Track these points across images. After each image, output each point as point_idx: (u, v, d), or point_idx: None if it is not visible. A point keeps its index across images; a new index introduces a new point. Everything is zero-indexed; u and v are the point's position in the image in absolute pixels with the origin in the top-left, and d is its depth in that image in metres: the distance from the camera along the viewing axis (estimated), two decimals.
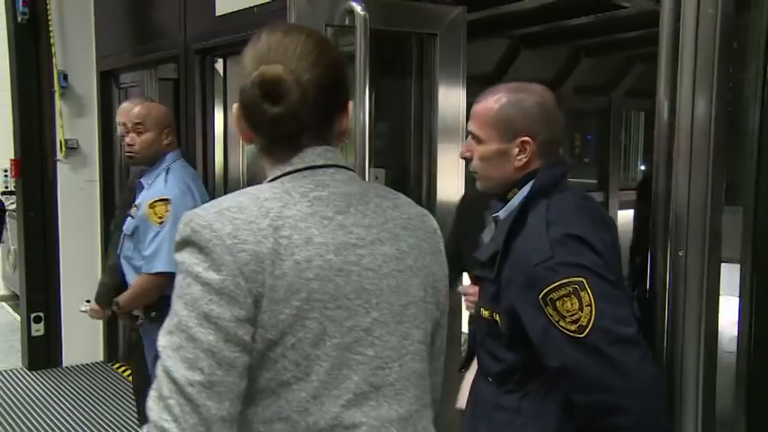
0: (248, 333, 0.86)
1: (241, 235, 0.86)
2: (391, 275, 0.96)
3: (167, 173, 2.59)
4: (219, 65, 3.62)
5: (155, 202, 2.51)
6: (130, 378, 4.31)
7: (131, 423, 3.70)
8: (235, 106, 0.97)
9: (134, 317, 2.60)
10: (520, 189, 1.44)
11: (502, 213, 1.48)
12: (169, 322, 0.87)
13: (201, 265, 0.86)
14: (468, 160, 1.50)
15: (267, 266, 0.87)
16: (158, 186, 2.57)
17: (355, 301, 0.93)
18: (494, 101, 1.44)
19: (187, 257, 0.88)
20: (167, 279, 2.36)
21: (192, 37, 3.68)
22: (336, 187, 0.96)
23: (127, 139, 2.55)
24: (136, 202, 2.61)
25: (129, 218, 2.60)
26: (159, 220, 2.48)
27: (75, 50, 4.59)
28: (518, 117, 1.42)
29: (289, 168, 0.96)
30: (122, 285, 2.65)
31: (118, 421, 3.78)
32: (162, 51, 3.99)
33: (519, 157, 1.43)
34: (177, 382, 0.84)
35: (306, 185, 0.95)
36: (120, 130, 2.74)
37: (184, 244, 0.89)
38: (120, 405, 3.97)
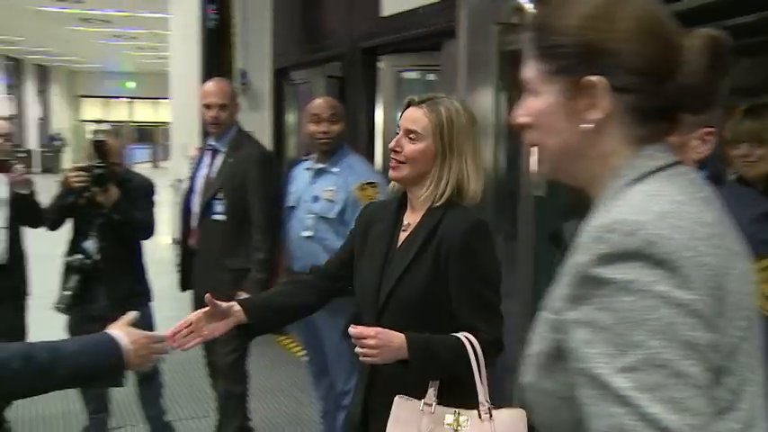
0: (715, 361, 0.74)
1: (698, 246, 0.74)
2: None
3: (356, 160, 2.86)
4: (383, 63, 3.91)
5: (364, 184, 2.72)
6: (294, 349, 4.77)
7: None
8: (596, 79, 0.80)
9: None
10: None
11: None
12: (622, 359, 0.70)
13: (666, 282, 0.72)
14: None
15: (721, 281, 0.75)
16: (361, 170, 2.81)
17: (746, 317, 0.80)
18: None
19: (641, 274, 0.72)
20: None
21: (357, 36, 3.96)
22: (704, 188, 0.83)
23: (322, 128, 2.81)
24: (328, 187, 2.80)
25: (326, 201, 2.79)
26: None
27: (254, 50, 5.16)
28: None
29: (659, 163, 0.82)
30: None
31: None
32: (329, 50, 4.34)
33: None
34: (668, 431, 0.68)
35: (689, 186, 0.81)
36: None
37: (632, 257, 0.73)
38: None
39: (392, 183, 1.74)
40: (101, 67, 22.15)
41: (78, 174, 2.81)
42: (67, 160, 19.21)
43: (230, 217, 2.90)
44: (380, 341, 1.53)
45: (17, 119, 18.58)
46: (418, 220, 1.66)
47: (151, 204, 3.09)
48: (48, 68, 21.81)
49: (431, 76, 3.84)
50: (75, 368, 1.42)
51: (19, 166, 3.04)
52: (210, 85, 3.01)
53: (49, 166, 18.59)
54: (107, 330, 1.47)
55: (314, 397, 3.15)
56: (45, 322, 2.81)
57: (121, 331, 1.46)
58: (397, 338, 1.53)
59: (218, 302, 1.60)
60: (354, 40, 4.01)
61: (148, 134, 25.34)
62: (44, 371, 1.37)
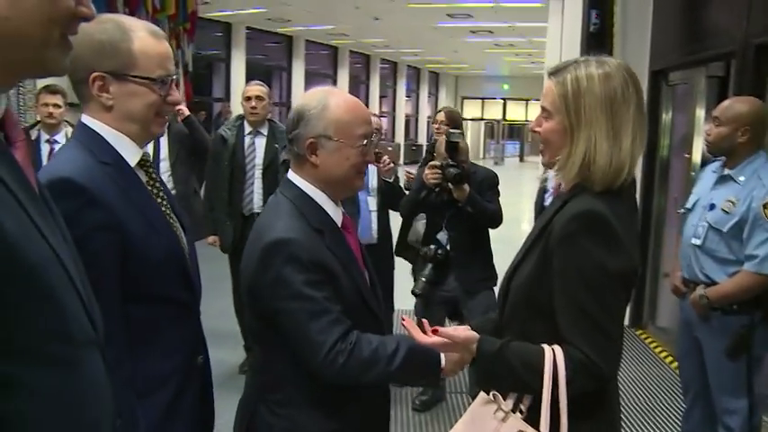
0: None
1: None
2: None
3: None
4: None
5: None
6: (652, 344, 4.83)
7: (651, 387, 4.16)
8: None
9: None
10: None
11: None
12: None
13: None
14: None
15: None
16: None
17: None
18: None
19: None
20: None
21: (753, 32, 3.72)
22: None
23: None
24: (728, 197, 2.58)
25: (722, 212, 2.59)
26: None
27: (632, 53, 5.28)
28: None
29: None
30: None
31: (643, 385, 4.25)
32: (715, 49, 4.18)
33: None
34: None
35: None
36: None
37: None
38: (642, 370, 4.42)
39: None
40: (481, 72, 24.27)
41: (434, 172, 3.06)
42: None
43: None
44: (449, 345, 1.39)
45: (389, 116, 21.63)
46: None
47: (496, 195, 3.31)
48: (439, 74, 24.85)
49: None
50: (404, 368, 1.45)
51: (386, 158, 3.41)
52: None
53: (415, 159, 21.21)
54: (433, 348, 1.45)
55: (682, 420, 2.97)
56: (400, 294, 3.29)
57: (441, 347, 1.44)
58: (465, 337, 1.37)
59: None
60: (748, 37, 3.82)
61: (517, 131, 26.93)
62: (389, 361, 1.42)
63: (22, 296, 0.68)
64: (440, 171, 3.05)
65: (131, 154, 1.35)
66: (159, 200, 1.39)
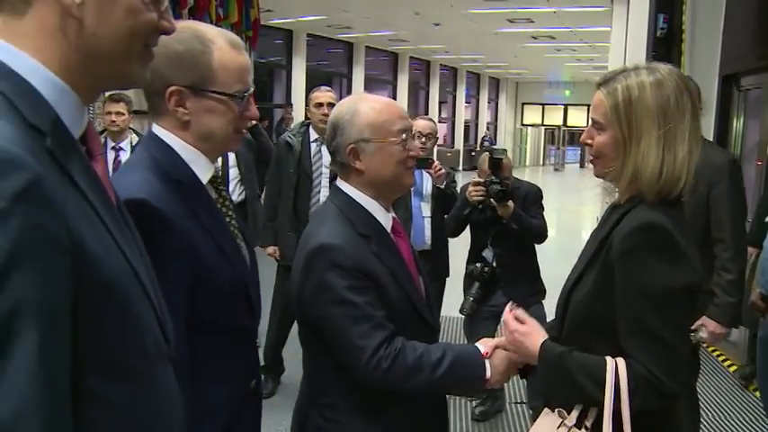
0: None
1: None
2: None
3: None
4: None
5: None
6: (720, 358, 4.63)
7: None
8: None
9: None
10: None
11: None
12: None
13: None
14: None
15: None
16: None
17: None
18: None
19: None
20: None
21: None
22: None
23: None
24: None
25: None
26: None
27: (702, 57, 5.10)
28: None
29: None
30: None
31: None
32: None
33: None
34: None
35: None
36: None
37: None
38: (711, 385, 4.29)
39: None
40: (541, 78, 23.89)
41: (477, 189, 3.01)
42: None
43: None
44: (517, 336, 1.41)
45: (448, 122, 21.51)
46: None
47: (540, 209, 3.22)
48: (499, 80, 24.61)
49: None
50: (449, 376, 1.43)
51: (437, 164, 3.35)
52: None
53: (474, 165, 21.03)
54: (479, 349, 1.49)
55: None
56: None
57: (488, 349, 1.49)
58: (534, 340, 1.39)
59: None
60: None
61: (578, 137, 26.33)
62: (433, 369, 1.41)
63: (100, 310, 0.70)
64: (483, 188, 3.02)
65: (204, 171, 1.29)
66: (228, 218, 1.34)
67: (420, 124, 3.48)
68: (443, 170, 3.45)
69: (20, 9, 0.73)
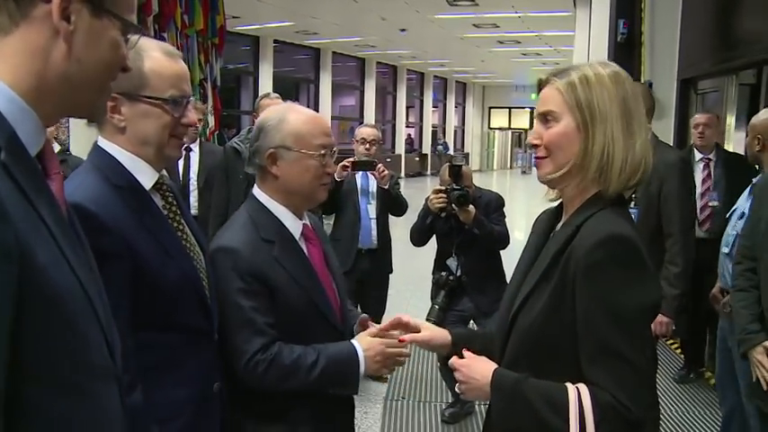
0: None
1: None
2: None
3: None
4: None
5: None
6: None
7: None
8: None
9: None
10: None
11: None
12: None
13: None
14: None
15: None
16: None
17: None
18: None
19: None
20: None
21: None
22: None
23: None
24: None
25: None
26: None
27: (661, 61, 5.23)
28: None
29: None
30: None
31: None
32: (747, 57, 4.14)
33: None
34: None
35: None
36: None
37: None
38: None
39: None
40: (508, 82, 24.19)
41: (438, 196, 3.09)
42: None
43: (642, 228, 2.60)
44: (464, 375, 1.30)
45: (416, 126, 21.65)
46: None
47: (502, 216, 3.31)
48: (466, 84, 24.83)
49: None
50: (323, 377, 1.49)
51: (380, 166, 3.55)
52: None
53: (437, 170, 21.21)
54: (351, 341, 1.56)
55: None
56: (406, 296, 3.30)
57: (360, 341, 1.56)
58: (482, 374, 1.26)
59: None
60: None
61: None
62: (309, 371, 1.48)
63: (44, 323, 0.70)
64: (444, 195, 3.09)
65: (146, 177, 1.32)
66: (175, 224, 1.37)
67: (365, 131, 3.79)
68: (387, 172, 3.65)
69: (5, 28, 0.74)
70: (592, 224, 1.19)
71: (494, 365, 1.27)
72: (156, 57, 1.30)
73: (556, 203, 1.38)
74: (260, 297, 1.48)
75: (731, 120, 4.42)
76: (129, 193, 1.29)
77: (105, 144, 1.32)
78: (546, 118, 1.26)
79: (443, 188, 3.12)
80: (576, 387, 1.15)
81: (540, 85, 1.30)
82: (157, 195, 1.36)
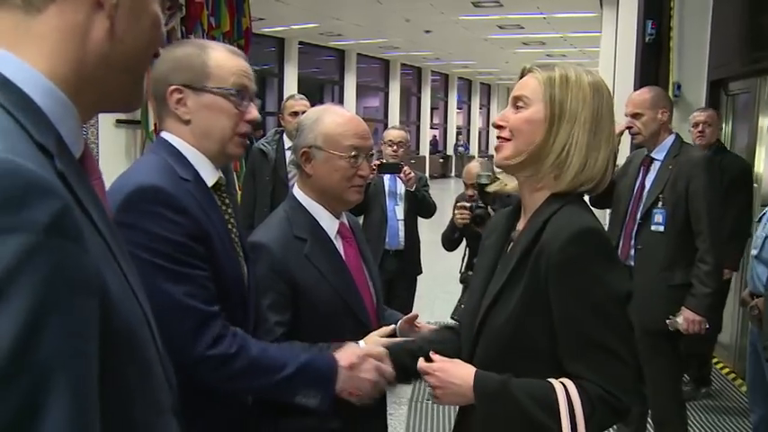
0: None
1: None
2: None
3: None
4: None
5: None
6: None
7: None
8: None
9: None
10: None
11: None
12: None
13: None
14: None
15: None
16: None
17: None
18: None
19: None
20: None
21: None
22: None
23: None
24: None
25: None
26: None
27: (690, 63, 5.15)
28: None
29: None
30: None
31: None
32: None
33: None
34: None
35: None
36: None
37: None
38: None
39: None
40: None
41: (462, 213, 3.16)
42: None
43: (671, 227, 2.74)
44: (438, 380, 1.25)
45: (441, 128, 21.62)
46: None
47: None
48: (491, 86, 24.74)
49: None
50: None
51: (406, 168, 3.63)
52: (633, 94, 3.02)
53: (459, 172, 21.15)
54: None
55: None
56: (438, 295, 3.28)
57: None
58: (462, 378, 1.22)
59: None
60: None
61: None
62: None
63: (121, 363, 0.60)
64: (468, 211, 3.15)
65: (208, 174, 1.33)
66: (230, 226, 1.37)
67: (392, 134, 3.90)
68: (413, 174, 3.72)
69: (38, 3, 0.61)
70: (559, 220, 1.19)
71: (472, 368, 1.23)
72: (219, 51, 1.33)
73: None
74: (279, 295, 1.47)
75: (764, 122, 4.33)
76: (195, 187, 1.29)
77: (169, 137, 1.33)
78: (517, 103, 1.26)
79: (468, 205, 3.18)
80: (562, 383, 1.15)
81: (523, 73, 1.30)
82: (215, 195, 1.36)
